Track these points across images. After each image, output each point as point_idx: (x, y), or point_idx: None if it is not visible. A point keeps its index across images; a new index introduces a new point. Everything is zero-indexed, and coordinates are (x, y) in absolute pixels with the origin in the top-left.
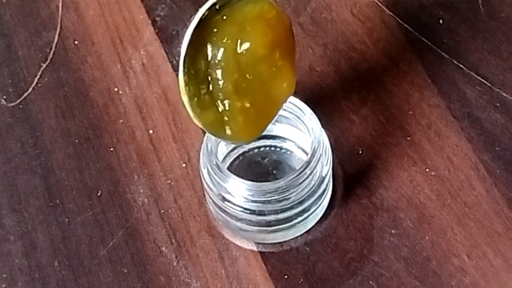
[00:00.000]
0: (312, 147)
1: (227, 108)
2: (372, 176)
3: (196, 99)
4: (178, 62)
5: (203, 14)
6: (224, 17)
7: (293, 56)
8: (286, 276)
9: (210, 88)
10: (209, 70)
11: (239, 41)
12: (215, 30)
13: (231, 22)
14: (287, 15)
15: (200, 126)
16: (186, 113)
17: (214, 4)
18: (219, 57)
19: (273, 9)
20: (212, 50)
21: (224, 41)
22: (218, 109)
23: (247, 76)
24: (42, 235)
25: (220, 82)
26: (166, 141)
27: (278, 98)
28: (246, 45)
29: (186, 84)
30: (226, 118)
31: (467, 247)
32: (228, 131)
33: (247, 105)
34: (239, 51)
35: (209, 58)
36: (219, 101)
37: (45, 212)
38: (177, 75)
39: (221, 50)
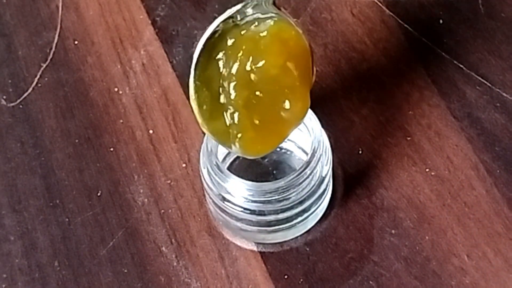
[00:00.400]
0: (312, 147)
1: (235, 122)
2: (372, 176)
3: (205, 107)
4: (178, 62)
5: (219, 24)
6: (243, 32)
7: (310, 78)
8: (286, 276)
9: (221, 99)
10: (221, 81)
11: (253, 58)
12: (231, 43)
13: (248, 38)
14: (307, 37)
15: (208, 134)
16: (195, 120)
17: (231, 17)
18: (232, 71)
19: (292, 30)
20: (226, 62)
21: (239, 55)
22: (226, 121)
23: (258, 93)
24: (42, 235)
25: (231, 96)
26: (166, 141)
27: (289, 119)
28: (259, 63)
29: (196, 91)
30: (234, 132)
31: (467, 247)
32: (236, 145)
33: (256, 121)
34: (252, 68)
35: (222, 70)
36: (228, 114)
37: (45, 212)
38: (177, 75)
39: (235, 64)
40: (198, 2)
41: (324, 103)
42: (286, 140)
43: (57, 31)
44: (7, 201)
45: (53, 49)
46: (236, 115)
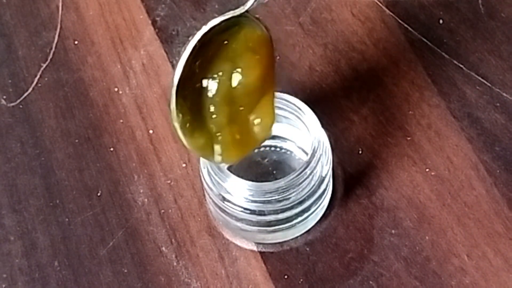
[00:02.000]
0: (312, 147)
1: (219, 138)
2: (372, 176)
3: (188, 125)
4: (178, 62)
5: (195, 46)
6: (216, 50)
7: (274, 72)
8: (286, 276)
9: (203, 117)
10: (202, 102)
11: (233, 76)
12: (207, 63)
13: (223, 57)
14: (266, 27)
15: (190, 149)
16: (177, 136)
17: (204, 34)
18: (213, 92)
19: (254, 33)
20: (206, 85)
21: (218, 76)
22: (209, 136)
23: (240, 108)
24: (42, 235)
25: (214, 116)
26: (166, 141)
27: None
28: (240, 80)
29: (178, 112)
30: (217, 146)
31: (467, 247)
32: (218, 157)
33: (237, 136)
34: (233, 86)
35: (203, 92)
36: (212, 132)
37: (45, 212)
38: None
39: (216, 85)
40: (198, 2)
41: (324, 103)
42: (286, 140)
43: (57, 31)
44: (7, 201)
45: (53, 49)
46: (219, 132)
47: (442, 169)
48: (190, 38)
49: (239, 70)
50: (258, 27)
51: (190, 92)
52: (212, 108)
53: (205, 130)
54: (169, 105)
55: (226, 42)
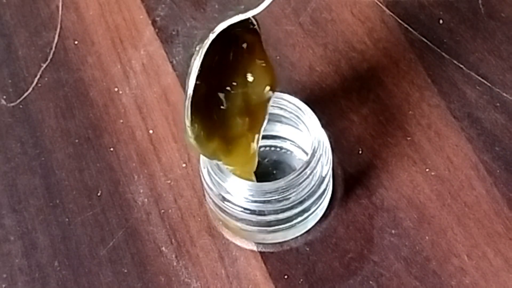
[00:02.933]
0: (312, 147)
1: (236, 146)
2: (372, 176)
3: (202, 132)
4: (178, 62)
5: (202, 60)
6: (218, 60)
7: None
8: (286, 276)
9: (215, 124)
10: (214, 110)
11: (249, 88)
12: (215, 73)
13: (232, 68)
14: (257, 22)
15: (204, 155)
16: (188, 144)
17: (212, 44)
18: (229, 104)
19: (250, 35)
20: (221, 97)
21: (232, 88)
22: (221, 141)
23: (256, 114)
24: (42, 235)
25: (229, 124)
26: (166, 141)
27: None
28: (255, 90)
29: (193, 122)
30: (231, 152)
31: (467, 247)
32: (231, 160)
33: (254, 144)
34: (249, 95)
35: (217, 102)
36: (230, 140)
37: (45, 212)
38: (177, 75)
39: (230, 98)
40: (198, 2)
41: (324, 103)
42: (286, 140)
43: (57, 31)
44: (7, 201)
45: (53, 49)
46: (237, 140)
47: (442, 169)
48: (198, 48)
49: (253, 80)
50: (251, 24)
51: (199, 101)
52: (229, 118)
53: (217, 135)
54: (183, 117)
55: (228, 51)
